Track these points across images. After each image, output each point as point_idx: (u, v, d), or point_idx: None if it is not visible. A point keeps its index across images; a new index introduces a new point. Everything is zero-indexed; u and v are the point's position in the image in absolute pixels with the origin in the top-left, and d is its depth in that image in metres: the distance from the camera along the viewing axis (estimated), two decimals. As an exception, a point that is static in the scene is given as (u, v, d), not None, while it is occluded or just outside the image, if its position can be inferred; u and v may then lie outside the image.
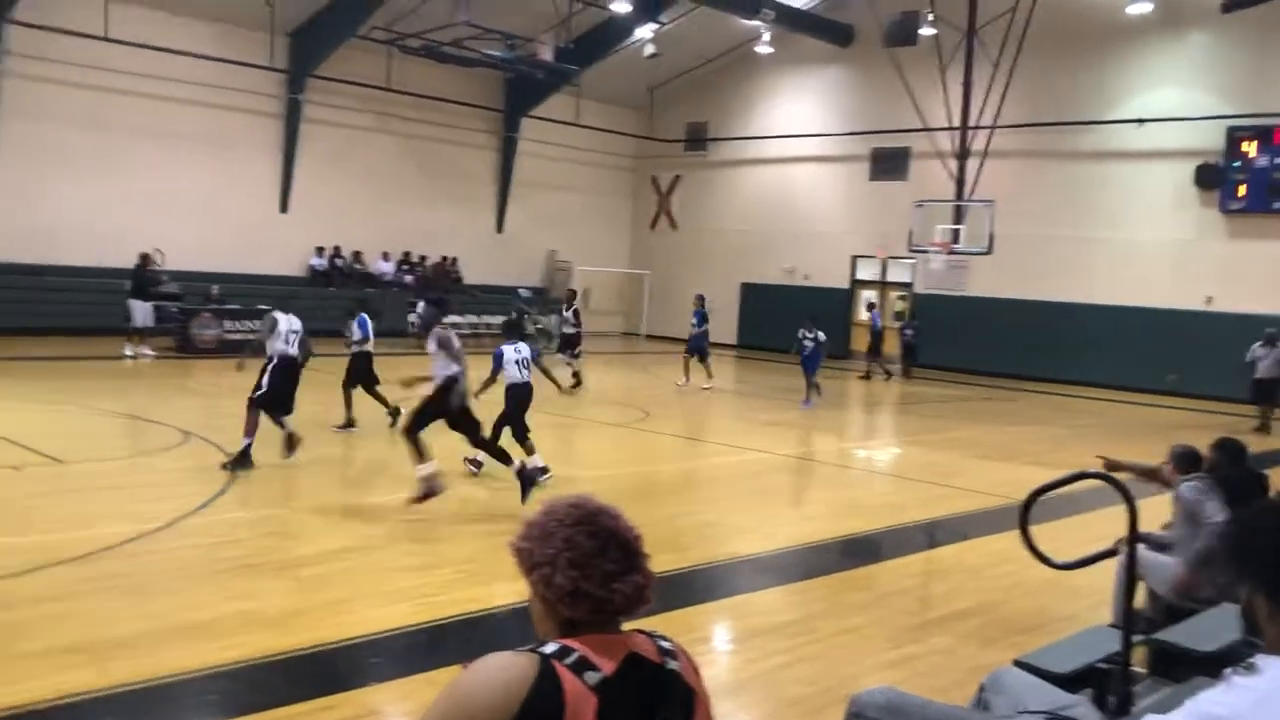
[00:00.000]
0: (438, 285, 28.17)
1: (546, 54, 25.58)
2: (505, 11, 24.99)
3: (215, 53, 24.34)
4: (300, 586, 6.82)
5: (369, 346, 13.32)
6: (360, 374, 13.22)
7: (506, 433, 10.42)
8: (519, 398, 10.54)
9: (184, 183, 24.66)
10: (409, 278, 28.51)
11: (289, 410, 10.64)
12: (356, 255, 27.97)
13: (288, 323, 10.80)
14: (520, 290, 29.99)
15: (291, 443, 10.57)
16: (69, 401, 14.13)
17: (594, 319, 32.38)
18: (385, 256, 28.45)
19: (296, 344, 10.79)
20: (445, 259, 29.62)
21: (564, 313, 20.63)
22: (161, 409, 13.84)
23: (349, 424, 12.89)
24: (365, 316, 13.39)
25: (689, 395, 19.32)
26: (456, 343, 9.48)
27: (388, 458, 11.34)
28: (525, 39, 25.24)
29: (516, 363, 10.52)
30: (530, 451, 10.32)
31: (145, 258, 20.94)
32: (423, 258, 29.23)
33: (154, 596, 6.54)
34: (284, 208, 26.89)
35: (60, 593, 6.42)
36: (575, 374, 18.98)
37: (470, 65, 26.30)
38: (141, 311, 20.38)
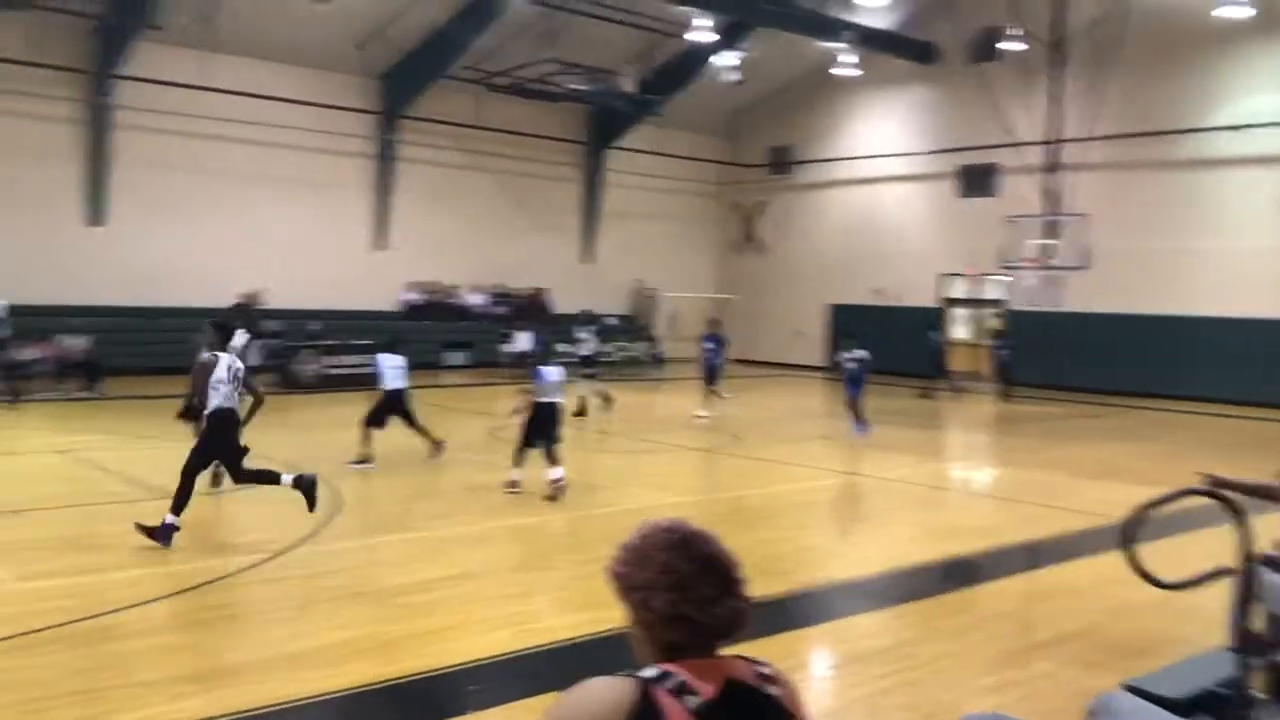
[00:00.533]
0: (530, 316, 28.54)
1: (629, 86, 25.86)
2: (588, 46, 25.34)
3: (310, 98, 25.17)
4: (401, 615, 6.94)
5: (391, 383, 12.68)
6: (385, 412, 12.71)
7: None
8: (541, 415, 10.98)
9: (284, 223, 25.48)
10: (501, 309, 28.94)
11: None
12: (450, 289, 28.51)
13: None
14: (608, 319, 30.23)
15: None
16: (177, 438, 14.58)
17: (681, 345, 32.51)
18: (477, 289, 28.94)
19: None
20: (536, 290, 30.02)
21: (580, 334, 19.42)
22: (265, 444, 14.18)
23: (436, 453, 13.01)
24: (379, 357, 12.96)
25: (775, 421, 19.19)
26: (226, 372, 8.73)
27: (481, 486, 11.49)
28: (608, 72, 25.55)
29: (553, 383, 11.09)
30: (516, 466, 10.97)
31: (251, 296, 21.62)
32: (513, 290, 29.66)
33: (261, 626, 6.73)
34: (379, 245, 27.57)
35: (173, 624, 6.64)
36: (582, 399, 18.11)
37: (556, 100, 26.70)
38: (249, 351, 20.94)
